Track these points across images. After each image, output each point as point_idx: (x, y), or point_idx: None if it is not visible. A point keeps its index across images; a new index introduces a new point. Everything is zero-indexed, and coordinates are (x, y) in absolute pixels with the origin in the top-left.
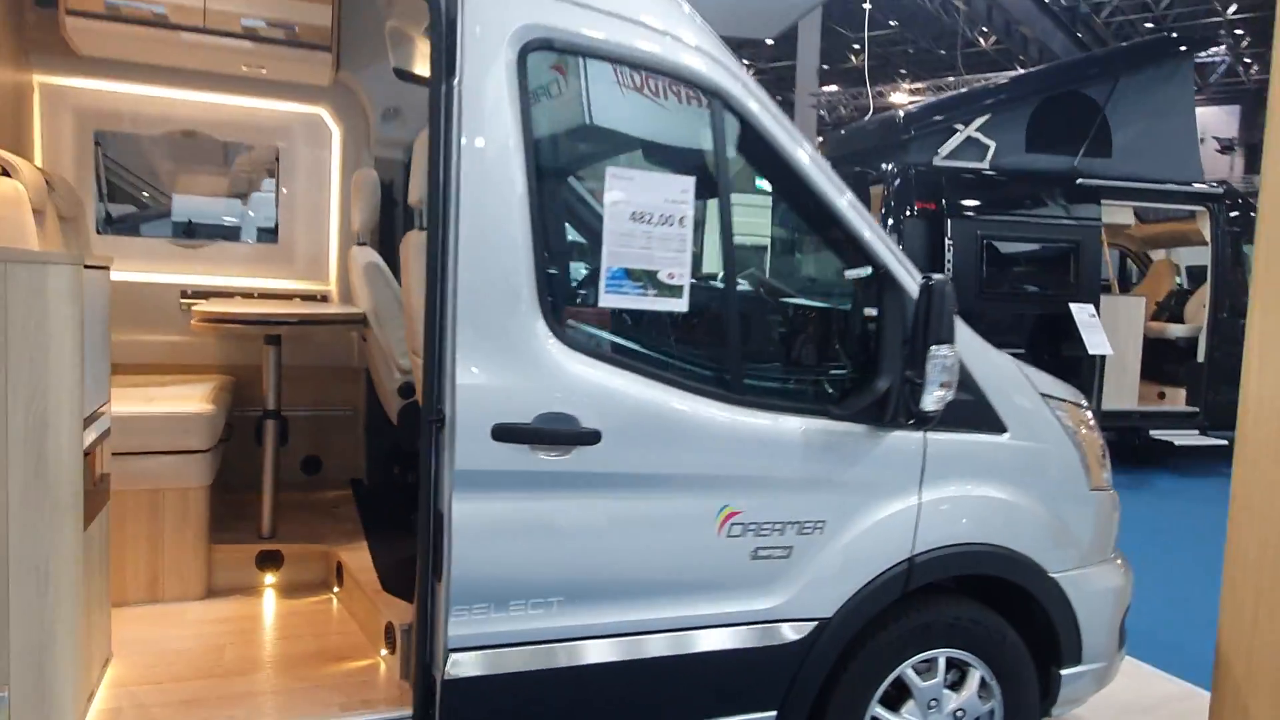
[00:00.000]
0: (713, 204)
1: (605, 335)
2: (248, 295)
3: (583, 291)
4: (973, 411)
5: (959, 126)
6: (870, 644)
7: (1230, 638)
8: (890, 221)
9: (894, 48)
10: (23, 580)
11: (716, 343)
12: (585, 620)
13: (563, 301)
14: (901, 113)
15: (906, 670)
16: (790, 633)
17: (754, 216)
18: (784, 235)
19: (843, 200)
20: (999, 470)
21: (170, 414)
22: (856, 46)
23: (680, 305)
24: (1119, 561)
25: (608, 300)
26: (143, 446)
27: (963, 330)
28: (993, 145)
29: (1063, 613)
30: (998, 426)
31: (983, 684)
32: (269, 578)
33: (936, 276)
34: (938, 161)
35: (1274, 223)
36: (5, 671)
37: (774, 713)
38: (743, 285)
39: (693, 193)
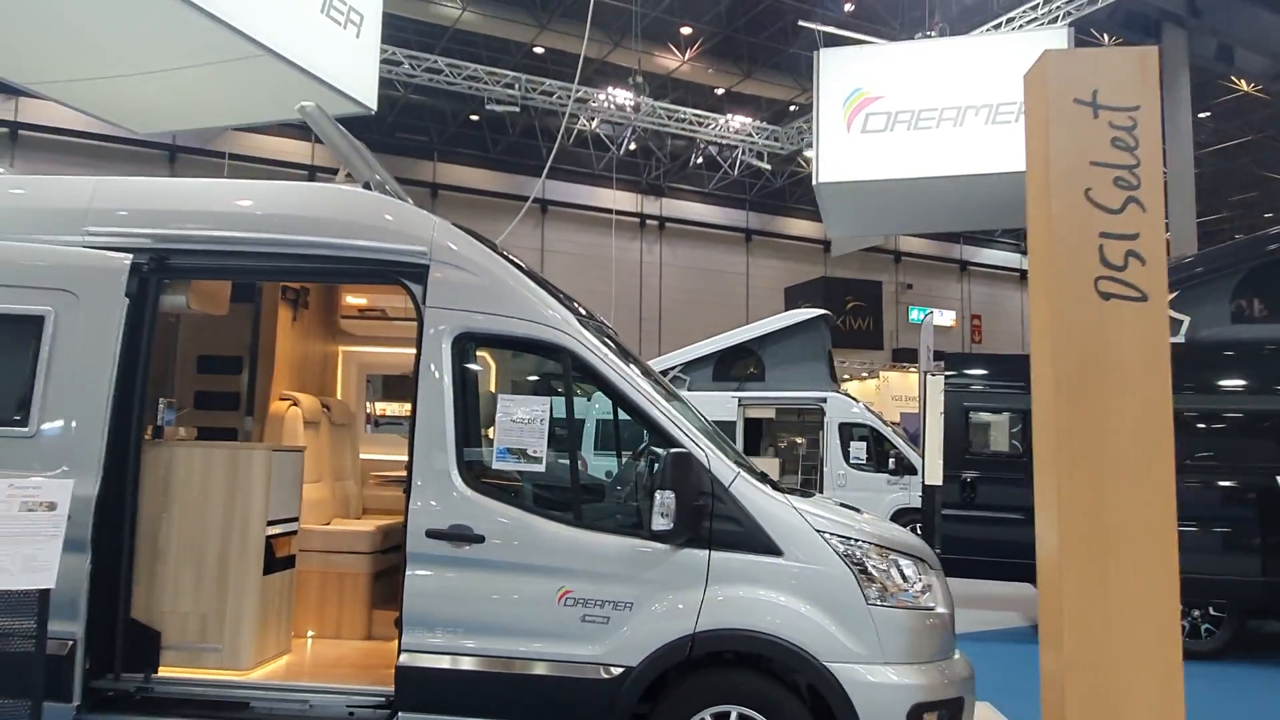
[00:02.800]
0: (561, 410)
1: (490, 482)
2: None
3: (480, 458)
4: (752, 540)
5: None
6: (674, 692)
7: None
8: None
9: None
10: (265, 595)
11: (560, 488)
12: (477, 644)
13: (467, 462)
14: None
15: (705, 715)
16: (606, 673)
17: (595, 414)
18: (610, 424)
19: (654, 404)
20: (772, 581)
21: (346, 531)
22: None
23: (540, 468)
24: (924, 666)
25: (498, 464)
26: (338, 548)
27: (749, 489)
28: (1186, 320)
29: (835, 693)
30: (774, 550)
31: None
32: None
33: (675, 451)
34: None
35: (1043, 406)
36: (222, 636)
37: None
38: (582, 453)
39: (548, 407)
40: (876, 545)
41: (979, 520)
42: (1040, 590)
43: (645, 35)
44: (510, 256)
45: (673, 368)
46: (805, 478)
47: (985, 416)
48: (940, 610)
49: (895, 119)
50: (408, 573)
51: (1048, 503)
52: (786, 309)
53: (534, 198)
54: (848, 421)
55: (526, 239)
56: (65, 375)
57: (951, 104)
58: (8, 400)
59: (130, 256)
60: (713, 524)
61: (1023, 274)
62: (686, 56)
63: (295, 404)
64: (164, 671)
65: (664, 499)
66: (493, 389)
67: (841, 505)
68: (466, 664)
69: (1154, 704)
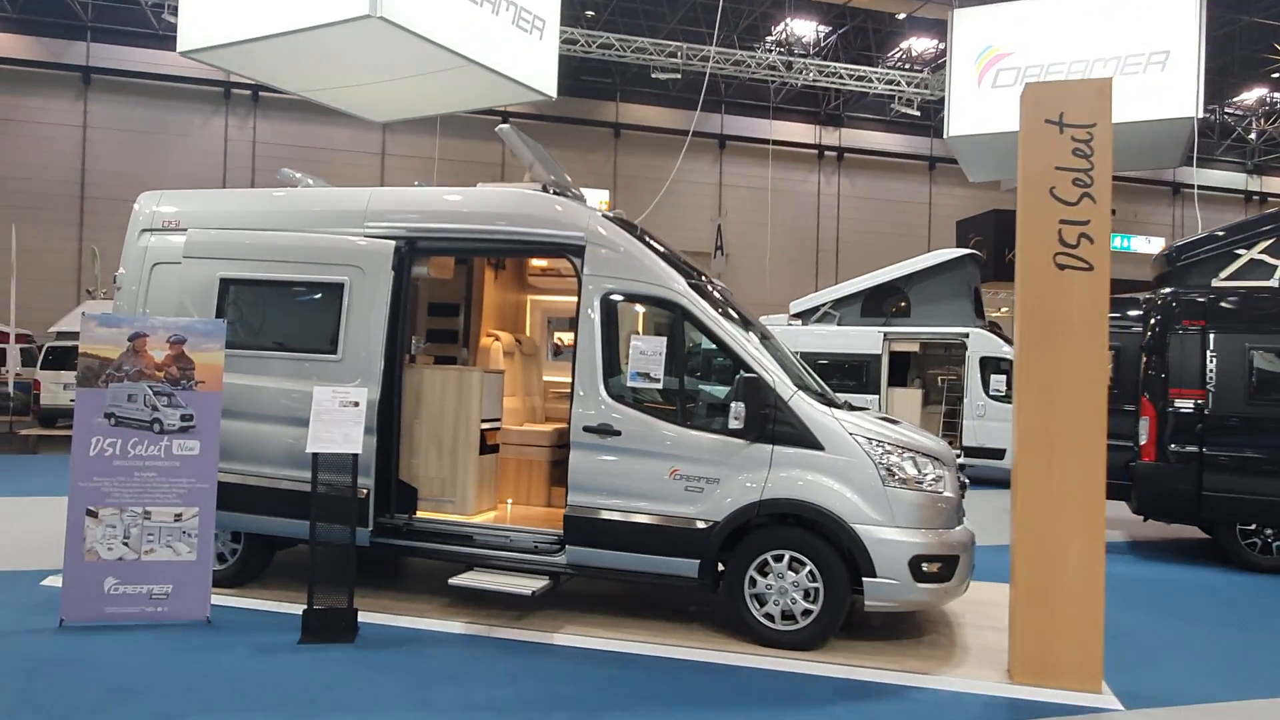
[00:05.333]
0: (674, 346)
1: (625, 395)
2: None
3: (619, 378)
4: (803, 438)
5: (1240, 251)
6: (746, 538)
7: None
8: (1156, 337)
9: None
10: (480, 468)
11: (672, 400)
12: (616, 502)
13: (609, 381)
14: (1176, 244)
15: (767, 556)
16: (701, 524)
17: (698, 347)
18: (710, 356)
19: (735, 341)
20: (816, 467)
21: (533, 430)
22: None
23: (658, 386)
24: (926, 530)
25: (630, 383)
26: (527, 442)
27: (801, 403)
28: None
29: (856, 545)
30: (817, 446)
31: (811, 573)
32: None
33: (745, 375)
34: (1216, 283)
35: (1017, 347)
36: (454, 493)
37: (698, 560)
38: (689, 377)
39: (665, 344)
40: (896, 446)
41: None
42: (1012, 478)
43: None
44: (648, 236)
45: (823, 304)
46: (949, 408)
47: None
48: (947, 495)
49: (1024, 73)
50: (571, 455)
51: (1016, 416)
52: (957, 242)
53: (693, 131)
54: (989, 355)
55: (705, 175)
56: (357, 321)
57: (1080, 57)
58: (325, 337)
59: (394, 242)
60: (775, 427)
61: (1249, 195)
62: None
63: (497, 339)
64: (420, 514)
65: (737, 408)
66: (628, 330)
67: (883, 418)
68: (608, 515)
69: (1080, 562)
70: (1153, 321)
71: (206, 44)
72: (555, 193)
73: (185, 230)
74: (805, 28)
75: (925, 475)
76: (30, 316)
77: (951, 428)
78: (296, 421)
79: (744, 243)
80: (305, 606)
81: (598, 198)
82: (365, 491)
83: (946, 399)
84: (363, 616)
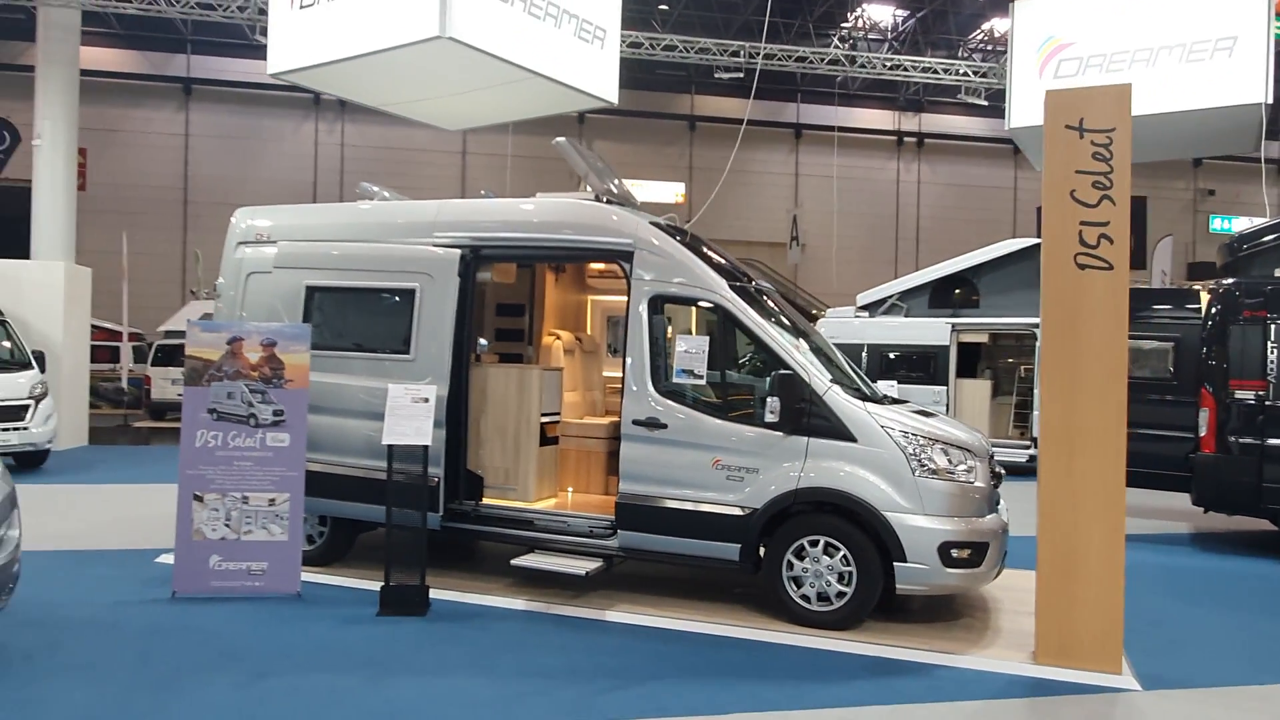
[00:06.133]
0: (718, 345)
1: (671, 390)
2: None
3: (665, 375)
4: (837, 430)
5: None
6: (784, 525)
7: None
8: (1217, 328)
9: None
10: (540, 459)
11: (717, 395)
12: (662, 490)
13: (659, 377)
14: (1239, 233)
15: (803, 541)
16: (742, 511)
17: (741, 346)
18: (751, 353)
19: (773, 340)
20: (849, 458)
21: (592, 423)
22: None
23: (702, 382)
24: (955, 518)
25: (676, 379)
26: (585, 434)
27: (835, 397)
28: None
29: (888, 532)
30: (851, 438)
31: (845, 558)
32: None
33: (781, 372)
34: (1279, 273)
35: (1043, 343)
36: (517, 481)
37: (739, 545)
38: (730, 374)
39: (708, 343)
40: (926, 437)
41: (1131, 436)
42: (1037, 469)
43: None
44: (700, 242)
45: (890, 296)
46: (1020, 399)
47: (1141, 344)
48: (978, 484)
49: (1087, 63)
50: (622, 446)
51: (1040, 409)
52: (1037, 229)
53: (745, 120)
54: None
55: (781, 165)
56: (427, 324)
57: (1144, 45)
58: (399, 339)
59: (460, 250)
60: (810, 420)
61: None
62: None
63: (558, 338)
64: (486, 500)
65: (774, 403)
66: (675, 330)
67: (917, 411)
68: (656, 502)
69: (1101, 548)
70: (1213, 312)
71: (293, 66)
72: (608, 201)
73: (275, 243)
74: (882, 13)
75: (957, 466)
76: (140, 316)
77: (1023, 419)
78: (374, 416)
79: (821, 233)
80: (383, 583)
81: (674, 191)
82: (436, 480)
83: (1017, 390)
84: (434, 593)
